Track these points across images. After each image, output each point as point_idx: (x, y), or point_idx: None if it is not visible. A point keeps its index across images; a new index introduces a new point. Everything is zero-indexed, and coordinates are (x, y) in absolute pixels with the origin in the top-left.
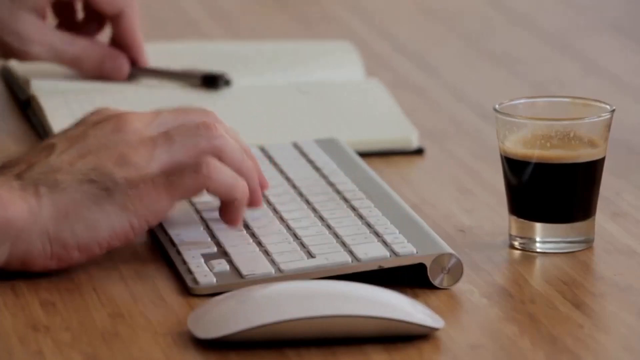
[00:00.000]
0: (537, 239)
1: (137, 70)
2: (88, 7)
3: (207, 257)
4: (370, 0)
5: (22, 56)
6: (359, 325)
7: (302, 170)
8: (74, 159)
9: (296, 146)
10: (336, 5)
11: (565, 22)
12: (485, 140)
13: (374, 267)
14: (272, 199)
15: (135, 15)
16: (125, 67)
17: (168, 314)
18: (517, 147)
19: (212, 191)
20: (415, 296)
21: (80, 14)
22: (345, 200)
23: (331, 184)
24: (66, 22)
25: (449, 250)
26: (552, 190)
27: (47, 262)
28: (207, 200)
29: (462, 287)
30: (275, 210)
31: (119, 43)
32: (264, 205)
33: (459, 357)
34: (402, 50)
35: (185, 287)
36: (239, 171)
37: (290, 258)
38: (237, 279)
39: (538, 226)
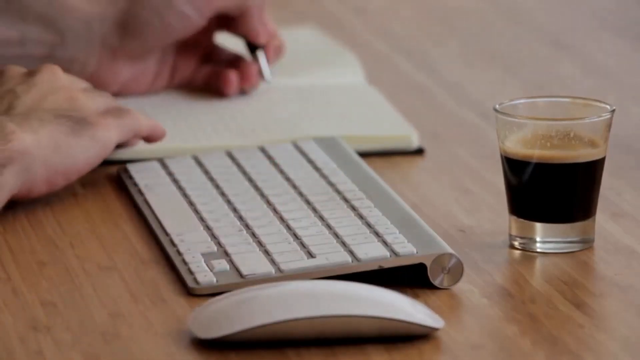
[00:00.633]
0: (537, 239)
1: None
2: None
3: (207, 257)
4: (370, 0)
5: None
6: (359, 325)
7: (302, 170)
8: (39, 98)
9: (296, 146)
10: (336, 5)
11: (565, 22)
12: (485, 140)
13: (374, 267)
14: (272, 199)
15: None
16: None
17: (168, 314)
18: (517, 147)
19: (143, 129)
20: (415, 296)
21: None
22: (346, 200)
23: (331, 184)
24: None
25: (449, 250)
26: (552, 190)
27: (41, 188)
28: (206, 200)
29: (462, 287)
30: (275, 210)
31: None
32: (264, 205)
33: (459, 357)
34: (402, 50)
35: (186, 287)
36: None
37: (291, 258)
38: (237, 279)
39: (538, 226)
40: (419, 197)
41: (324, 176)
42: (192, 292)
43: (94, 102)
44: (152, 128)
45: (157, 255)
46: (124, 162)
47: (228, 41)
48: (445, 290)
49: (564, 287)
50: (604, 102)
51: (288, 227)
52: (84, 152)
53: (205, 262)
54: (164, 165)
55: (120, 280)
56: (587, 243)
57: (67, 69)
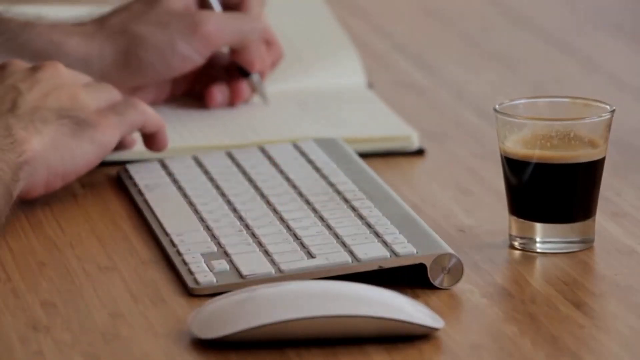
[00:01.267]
0: (537, 239)
1: None
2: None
3: (207, 257)
4: (370, 0)
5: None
6: (359, 325)
7: (302, 170)
8: (42, 96)
9: (296, 146)
10: (336, 5)
11: (565, 22)
12: (485, 140)
13: (374, 267)
14: (272, 199)
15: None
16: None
17: (168, 314)
18: (517, 147)
19: (147, 124)
20: (415, 296)
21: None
22: (346, 200)
23: (331, 184)
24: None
25: (449, 250)
26: (552, 190)
27: (39, 190)
28: (206, 200)
29: (462, 287)
30: (275, 211)
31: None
32: (264, 206)
33: (459, 357)
34: (402, 50)
35: (186, 287)
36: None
37: (291, 258)
38: (237, 279)
39: (538, 226)
40: (419, 197)
41: (324, 176)
42: (192, 292)
43: (96, 99)
44: (157, 119)
45: (157, 255)
46: (124, 163)
47: None
48: (445, 290)
49: (564, 287)
50: (604, 102)
51: (288, 228)
52: (83, 154)
53: (205, 262)
54: (164, 166)
55: (120, 280)
56: (587, 243)
57: None
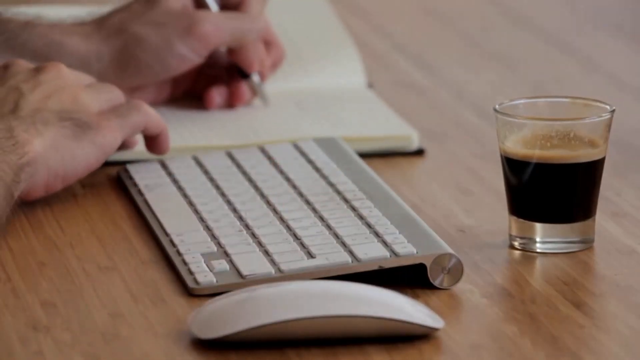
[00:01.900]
0: (537, 239)
1: None
2: None
3: (207, 257)
4: (370, 0)
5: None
6: (359, 325)
7: (302, 170)
8: (44, 98)
9: (296, 146)
10: (336, 5)
11: (565, 22)
12: (485, 140)
13: (374, 267)
14: (272, 199)
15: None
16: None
17: (168, 314)
18: (517, 147)
19: (149, 126)
20: (415, 296)
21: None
22: (346, 200)
23: (331, 184)
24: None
25: (449, 250)
26: (552, 190)
27: (40, 192)
28: (206, 200)
29: (462, 287)
30: (275, 211)
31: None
32: (264, 206)
33: (459, 357)
34: (402, 50)
35: (186, 287)
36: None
37: (291, 258)
38: (237, 279)
39: (538, 226)
40: (419, 197)
41: (324, 176)
42: (192, 292)
43: (98, 100)
44: (159, 121)
45: (157, 255)
46: (124, 163)
47: None
48: (445, 290)
49: (564, 287)
50: (604, 102)
51: (288, 228)
52: (84, 157)
53: (205, 262)
54: (164, 166)
55: (120, 280)
56: (587, 243)
57: None
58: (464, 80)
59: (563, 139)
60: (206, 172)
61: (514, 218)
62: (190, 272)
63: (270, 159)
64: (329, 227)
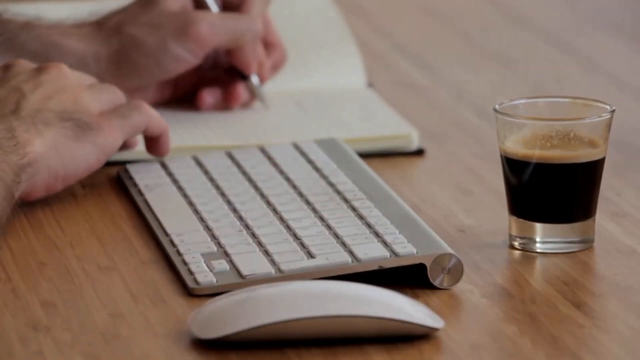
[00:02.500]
0: (537, 239)
1: None
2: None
3: (207, 257)
4: (370, 0)
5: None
6: (359, 325)
7: (302, 170)
8: (45, 98)
9: (296, 146)
10: (336, 5)
11: (565, 22)
12: (485, 140)
13: (374, 267)
14: (272, 199)
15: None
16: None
17: (168, 314)
18: (517, 147)
19: (150, 126)
20: (415, 296)
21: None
22: (346, 200)
23: (331, 184)
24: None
25: (449, 250)
26: (552, 190)
27: (40, 192)
28: (206, 200)
29: (462, 287)
30: (275, 211)
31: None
32: (264, 206)
33: (459, 357)
34: (402, 50)
35: (186, 287)
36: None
37: (291, 258)
38: (237, 279)
39: (538, 226)
40: (419, 197)
41: (324, 176)
42: (192, 292)
43: (99, 101)
44: (160, 122)
45: (157, 255)
46: (124, 163)
47: None
48: (445, 290)
49: (564, 287)
50: (604, 102)
51: (288, 228)
52: (85, 157)
53: (205, 262)
54: (164, 166)
55: (120, 280)
56: (587, 243)
57: None
58: (464, 80)
59: (563, 139)
60: (206, 172)
61: (514, 218)
62: (190, 272)
63: (270, 159)
64: (329, 227)
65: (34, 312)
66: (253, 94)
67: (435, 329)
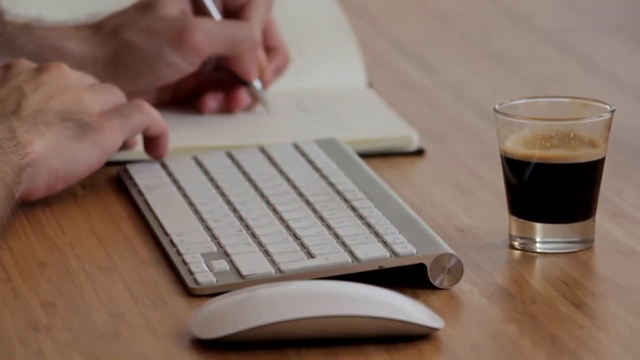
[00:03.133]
0: (537, 239)
1: None
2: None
3: (207, 257)
4: (371, 0)
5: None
6: (359, 325)
7: (302, 170)
8: (46, 98)
9: (296, 147)
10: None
11: (565, 22)
12: (485, 140)
13: (374, 267)
14: (272, 199)
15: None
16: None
17: (168, 314)
18: (517, 147)
19: (151, 126)
20: (415, 296)
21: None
22: (346, 200)
23: (331, 184)
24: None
25: (449, 250)
26: (552, 190)
27: (40, 193)
28: (206, 200)
29: (462, 287)
30: (275, 211)
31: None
32: (264, 206)
33: (459, 357)
34: (402, 50)
35: (186, 288)
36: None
37: (291, 258)
38: (237, 279)
39: (538, 226)
40: (419, 197)
41: (324, 176)
42: (192, 293)
43: (100, 101)
44: (161, 122)
45: (157, 255)
46: (124, 163)
47: None
48: (445, 290)
49: (564, 287)
50: (604, 102)
51: (288, 228)
52: (85, 158)
53: (205, 262)
54: (164, 166)
55: (120, 280)
56: (587, 243)
57: None
58: (464, 80)
59: (563, 139)
60: (206, 172)
61: (514, 218)
62: (190, 272)
63: (270, 159)
64: (329, 227)
65: (34, 312)
66: (255, 98)
67: (435, 329)
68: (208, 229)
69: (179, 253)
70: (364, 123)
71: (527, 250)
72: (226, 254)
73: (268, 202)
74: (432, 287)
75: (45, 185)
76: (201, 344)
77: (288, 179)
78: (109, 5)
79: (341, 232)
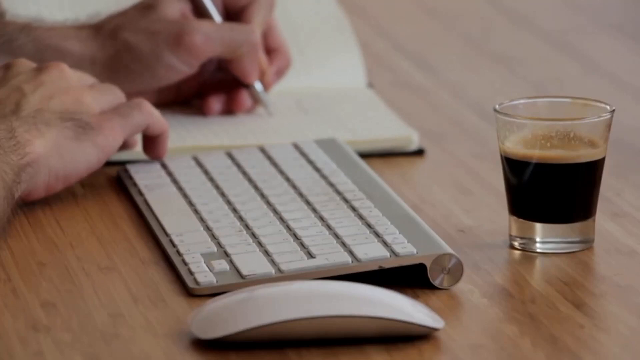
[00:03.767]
0: (537, 239)
1: None
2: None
3: (207, 257)
4: (371, 0)
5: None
6: (359, 325)
7: (302, 170)
8: (46, 98)
9: (296, 147)
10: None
11: (565, 22)
12: (485, 140)
13: (374, 267)
14: (273, 200)
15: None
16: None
17: (168, 314)
18: (517, 147)
19: (151, 126)
20: (415, 296)
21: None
22: (346, 200)
23: (331, 185)
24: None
25: (449, 250)
26: (552, 190)
27: (40, 193)
28: (206, 200)
29: (462, 287)
30: (275, 211)
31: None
32: (264, 206)
33: (459, 357)
34: (402, 50)
35: (186, 288)
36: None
37: (291, 258)
38: (237, 279)
39: (538, 226)
40: (419, 197)
41: (324, 177)
42: (192, 293)
43: (100, 101)
44: (161, 122)
45: (157, 255)
46: (124, 163)
47: None
48: (445, 290)
49: (564, 287)
50: (604, 102)
51: (288, 228)
52: (85, 158)
53: (205, 262)
54: (164, 166)
55: (120, 280)
56: (587, 243)
57: None
58: (464, 80)
59: (563, 139)
60: (206, 172)
61: (514, 218)
62: (190, 272)
63: (270, 159)
64: (329, 227)
65: (34, 312)
66: (256, 100)
67: (435, 329)
68: (208, 229)
69: (179, 253)
70: (364, 123)
71: (527, 250)
72: (226, 254)
73: (268, 202)
74: (432, 287)
75: (45, 185)
76: (201, 344)
77: (288, 179)
78: (109, 6)
79: (341, 232)
